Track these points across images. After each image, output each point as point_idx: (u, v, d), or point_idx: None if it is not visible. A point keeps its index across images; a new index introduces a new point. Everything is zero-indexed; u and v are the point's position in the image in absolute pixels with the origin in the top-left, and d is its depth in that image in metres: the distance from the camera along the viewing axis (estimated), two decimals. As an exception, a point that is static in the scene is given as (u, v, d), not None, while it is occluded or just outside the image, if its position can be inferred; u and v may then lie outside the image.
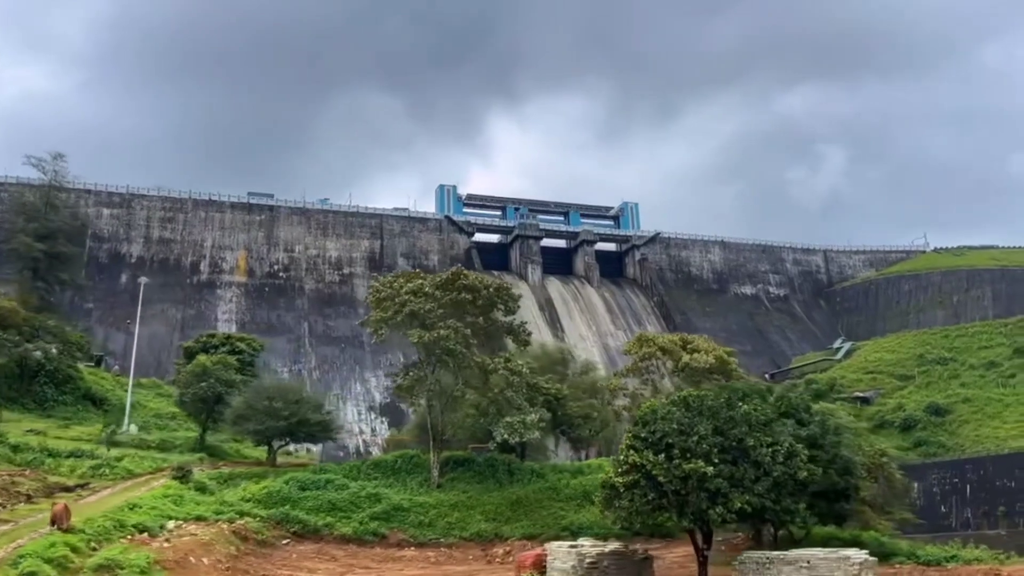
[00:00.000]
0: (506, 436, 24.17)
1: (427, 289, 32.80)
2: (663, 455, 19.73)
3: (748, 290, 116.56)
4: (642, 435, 20.44)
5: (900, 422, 74.38)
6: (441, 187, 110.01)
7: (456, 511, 29.04)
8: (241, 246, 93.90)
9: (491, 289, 35.07)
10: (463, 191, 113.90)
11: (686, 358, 33.36)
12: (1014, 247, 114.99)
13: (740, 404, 20.77)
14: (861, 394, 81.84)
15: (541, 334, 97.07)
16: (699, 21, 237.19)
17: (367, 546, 25.85)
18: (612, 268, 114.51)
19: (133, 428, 45.77)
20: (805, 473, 19.57)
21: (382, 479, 31.62)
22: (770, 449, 19.65)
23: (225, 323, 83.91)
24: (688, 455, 19.50)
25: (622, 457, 20.44)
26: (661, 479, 19.25)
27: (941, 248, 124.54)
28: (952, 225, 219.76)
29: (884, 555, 20.84)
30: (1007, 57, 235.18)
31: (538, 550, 21.20)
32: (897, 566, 21.37)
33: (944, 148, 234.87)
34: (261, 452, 42.23)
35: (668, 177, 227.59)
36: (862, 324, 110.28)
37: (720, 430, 19.98)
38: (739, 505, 18.87)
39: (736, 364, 36.96)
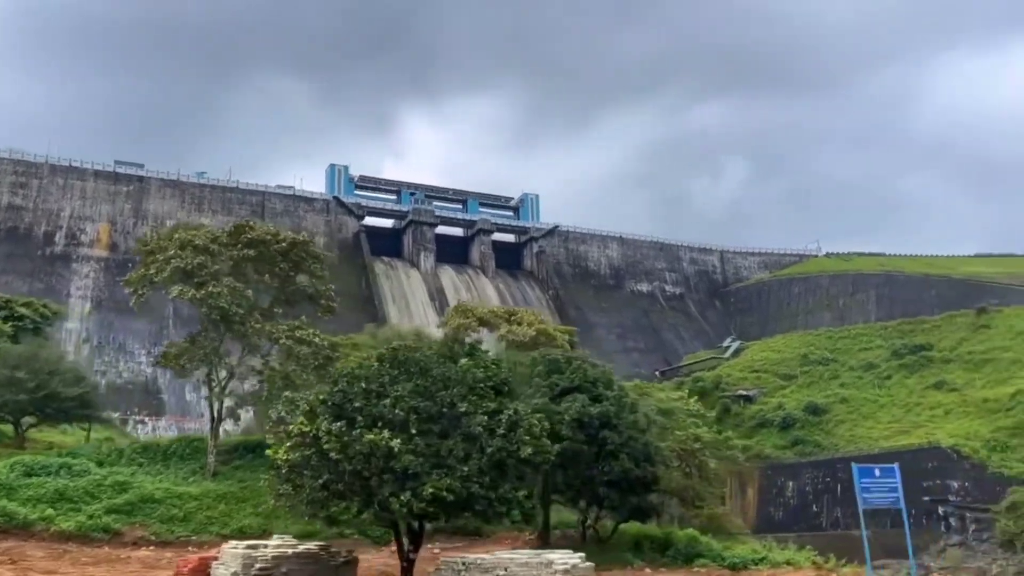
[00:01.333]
0: (283, 415, 20.72)
1: (199, 242, 28.42)
2: (343, 423, 15.43)
3: (644, 287, 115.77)
4: (322, 397, 16.21)
5: (779, 421, 73.98)
6: (332, 167, 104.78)
7: (223, 503, 24.64)
8: (104, 218, 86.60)
9: (284, 244, 30.93)
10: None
11: (503, 330, 30.28)
12: (901, 255, 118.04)
13: (465, 361, 16.68)
14: (745, 392, 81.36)
15: (430, 324, 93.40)
16: (613, 32, 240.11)
17: (93, 544, 21.39)
18: (510, 259, 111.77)
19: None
20: (530, 450, 15.49)
21: (148, 465, 27.13)
22: (485, 417, 15.44)
23: (79, 299, 77.08)
24: (379, 424, 15.23)
25: (292, 428, 15.99)
26: (335, 455, 14.90)
27: (832, 253, 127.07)
28: (845, 238, 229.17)
29: (689, 556, 18.21)
30: (899, 84, 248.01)
31: (207, 552, 17.47)
32: (698, 570, 18.73)
33: (840, 165, 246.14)
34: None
35: (580, 183, 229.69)
36: (754, 325, 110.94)
37: (425, 392, 15.65)
38: (431, 491, 14.62)
39: (565, 341, 33.81)
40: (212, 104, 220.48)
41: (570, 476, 17.50)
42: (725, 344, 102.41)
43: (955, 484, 54.68)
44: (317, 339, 29.59)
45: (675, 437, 21.76)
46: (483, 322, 31.06)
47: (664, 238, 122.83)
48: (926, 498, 55.88)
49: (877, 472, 16.51)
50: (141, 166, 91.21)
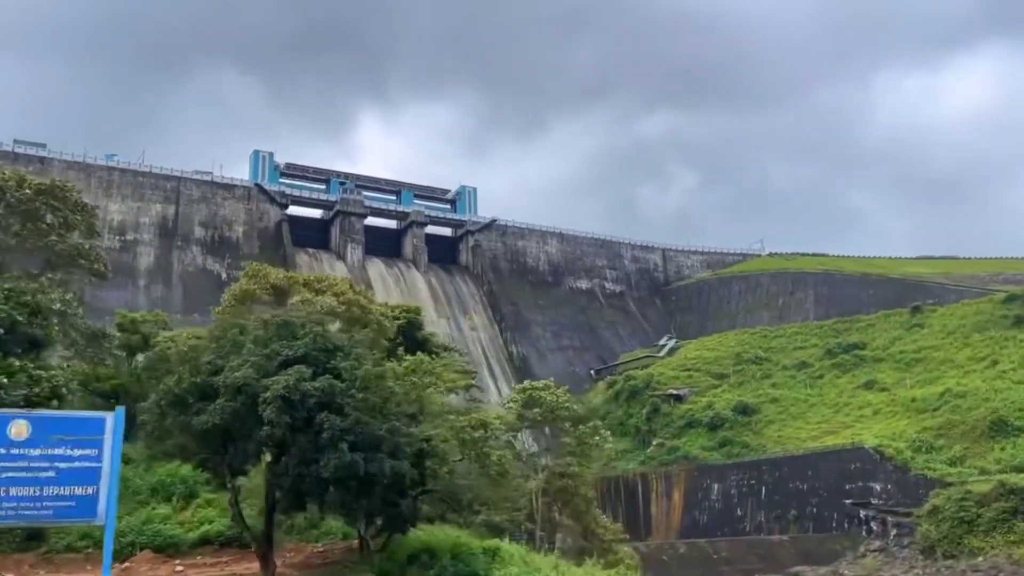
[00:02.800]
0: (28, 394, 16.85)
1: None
2: None
3: (584, 284, 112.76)
4: None
5: (708, 421, 71.32)
6: (256, 152, 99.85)
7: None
8: None
9: (29, 191, 26.74)
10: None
11: (297, 298, 26.71)
12: (843, 255, 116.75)
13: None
14: (675, 391, 78.61)
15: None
16: (563, 41, 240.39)
17: None
18: (445, 254, 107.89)
19: None
20: None
21: None
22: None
23: (-37, 287, 70.94)
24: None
25: None
26: None
27: (775, 253, 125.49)
28: (790, 243, 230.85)
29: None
30: (843, 98, 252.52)
31: None
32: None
33: (786, 176, 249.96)
34: None
35: (532, 189, 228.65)
36: (693, 323, 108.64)
37: None
38: None
39: (392, 318, 30.05)
40: (159, 101, 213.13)
41: (284, 472, 13.85)
42: (661, 343, 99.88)
43: (877, 487, 52.25)
44: (80, 310, 25.52)
45: (453, 426, 18.22)
46: (278, 289, 27.41)
47: (605, 235, 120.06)
48: (848, 501, 53.42)
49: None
50: (43, 146, 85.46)
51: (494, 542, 16.76)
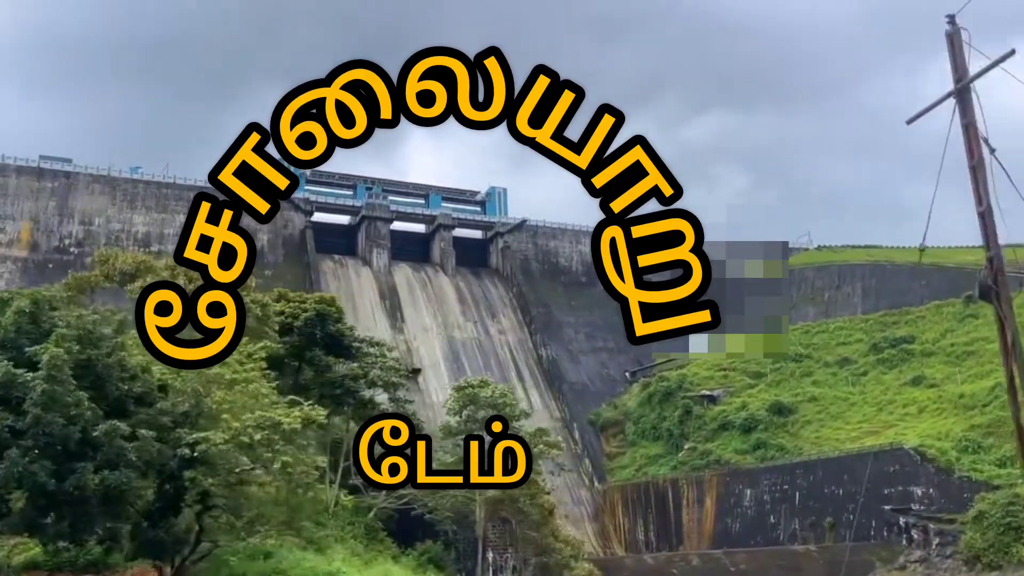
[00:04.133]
0: None
1: None
2: None
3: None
4: None
5: (741, 423, 67.20)
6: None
7: None
8: (26, 216, 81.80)
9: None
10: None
11: (138, 283, 24.16)
12: (895, 246, 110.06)
13: None
14: (708, 393, 74.62)
15: (377, 324, 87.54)
16: (606, 48, 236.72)
17: None
18: (475, 257, 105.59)
19: None
20: None
21: None
22: None
23: (-13, 301, 71.72)
24: None
25: None
26: None
27: (824, 246, 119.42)
28: (843, 240, 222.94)
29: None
30: (892, 93, 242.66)
31: None
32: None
33: (842, 174, 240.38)
34: None
35: (574, 201, 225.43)
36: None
37: None
38: None
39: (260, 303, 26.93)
40: (212, 120, 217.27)
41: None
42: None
43: (919, 491, 47.70)
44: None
45: (235, 427, 15.42)
46: (127, 276, 25.02)
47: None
48: (886, 507, 48.93)
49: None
50: (69, 161, 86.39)
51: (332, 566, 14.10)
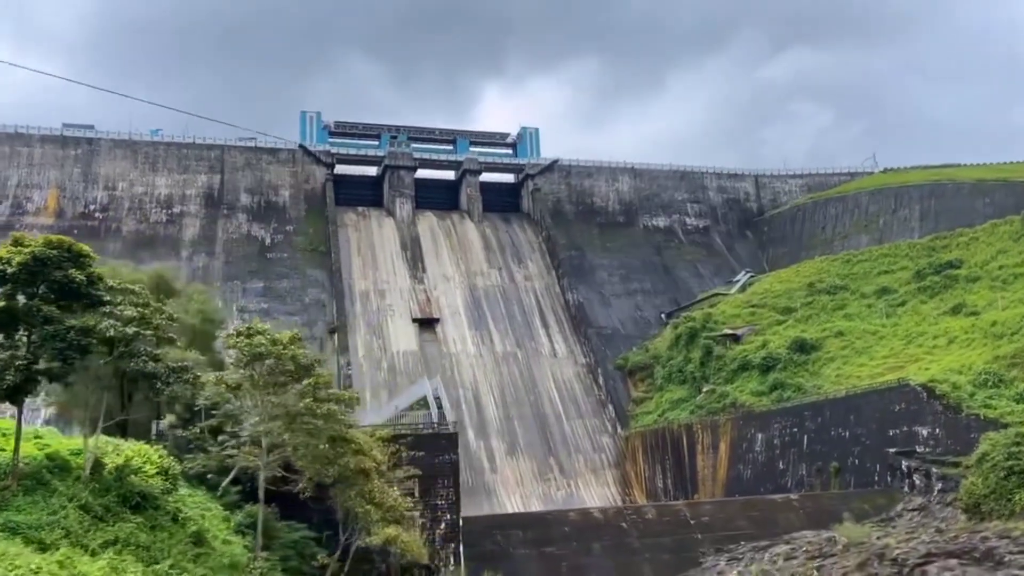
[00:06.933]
0: None
1: None
2: None
3: (661, 222, 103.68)
4: None
5: (759, 362, 62.36)
6: (303, 114, 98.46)
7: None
8: (52, 184, 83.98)
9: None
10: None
11: None
12: (961, 164, 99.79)
13: None
14: (731, 331, 69.72)
15: (397, 275, 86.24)
16: None
17: None
18: (506, 202, 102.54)
19: None
20: None
21: None
22: None
23: (13, 269, 74.20)
24: None
25: None
26: None
27: (891, 168, 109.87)
28: (915, 160, 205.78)
29: None
30: (985, 15, 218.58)
31: None
32: None
33: (939, 102, 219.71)
34: None
35: (647, 151, 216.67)
36: (785, 255, 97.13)
37: None
38: None
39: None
40: (298, 94, 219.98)
41: None
42: (736, 279, 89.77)
43: (924, 431, 42.50)
44: None
45: None
46: None
47: (685, 166, 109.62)
48: (891, 450, 44.00)
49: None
50: (91, 127, 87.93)
51: None
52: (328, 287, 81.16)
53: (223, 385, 24.67)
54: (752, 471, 55.82)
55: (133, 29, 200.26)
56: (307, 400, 23.83)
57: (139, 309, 22.19)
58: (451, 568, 31.23)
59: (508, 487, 69.03)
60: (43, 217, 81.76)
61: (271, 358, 23.49)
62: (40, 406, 45.57)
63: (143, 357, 22.03)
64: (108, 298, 21.10)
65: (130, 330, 20.95)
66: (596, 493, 68.30)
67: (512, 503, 67.08)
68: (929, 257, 69.00)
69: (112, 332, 20.34)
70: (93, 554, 16.48)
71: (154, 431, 29.23)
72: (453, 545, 31.97)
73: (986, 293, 57.71)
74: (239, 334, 23.43)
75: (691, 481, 61.79)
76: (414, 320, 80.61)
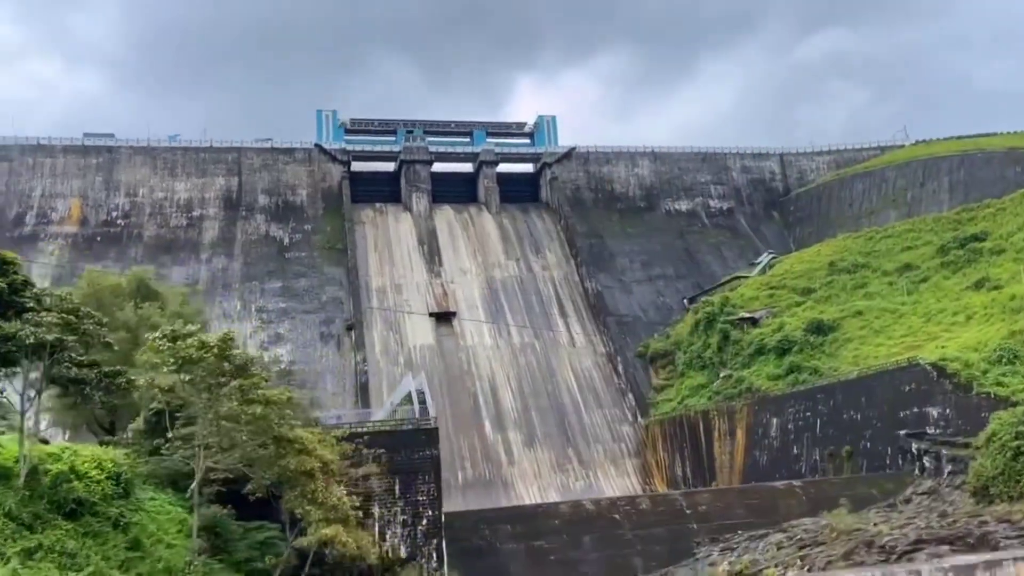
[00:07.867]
0: None
1: None
2: None
3: (683, 205, 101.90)
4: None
5: (775, 345, 60.85)
6: (319, 112, 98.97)
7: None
8: (75, 193, 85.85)
9: None
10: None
11: None
12: (991, 133, 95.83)
13: None
14: (749, 314, 68.17)
15: (414, 271, 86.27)
16: None
17: None
18: (525, 192, 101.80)
19: None
20: None
21: None
22: None
23: (39, 279, 75.86)
24: None
25: None
26: None
27: (922, 140, 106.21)
28: (946, 131, 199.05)
29: None
30: None
31: None
32: None
33: (982, 73, 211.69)
34: None
35: (687, 132, 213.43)
36: (812, 234, 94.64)
37: None
38: None
39: None
40: (330, 93, 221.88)
41: None
42: (758, 260, 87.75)
43: (934, 412, 40.89)
44: None
45: None
46: None
47: (707, 147, 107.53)
48: (901, 432, 42.47)
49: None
50: (111, 136, 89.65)
51: None
52: (346, 284, 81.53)
53: (156, 389, 24.63)
54: (768, 457, 54.52)
55: (173, 35, 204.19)
56: (232, 404, 23.72)
57: (64, 316, 22.30)
58: (433, 564, 30.94)
59: (526, 479, 68.62)
60: (67, 226, 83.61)
61: (203, 361, 23.35)
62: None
63: (66, 364, 22.15)
64: (32, 305, 21.25)
65: (50, 336, 21.04)
66: (616, 483, 67.49)
67: (530, 495, 66.65)
68: (954, 231, 66.48)
69: (32, 339, 20.47)
70: (7, 562, 16.55)
71: (129, 435, 29.56)
72: (436, 541, 31.68)
73: (1010, 266, 55.29)
74: (164, 337, 23.29)
75: (709, 469, 60.64)
76: (431, 314, 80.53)
